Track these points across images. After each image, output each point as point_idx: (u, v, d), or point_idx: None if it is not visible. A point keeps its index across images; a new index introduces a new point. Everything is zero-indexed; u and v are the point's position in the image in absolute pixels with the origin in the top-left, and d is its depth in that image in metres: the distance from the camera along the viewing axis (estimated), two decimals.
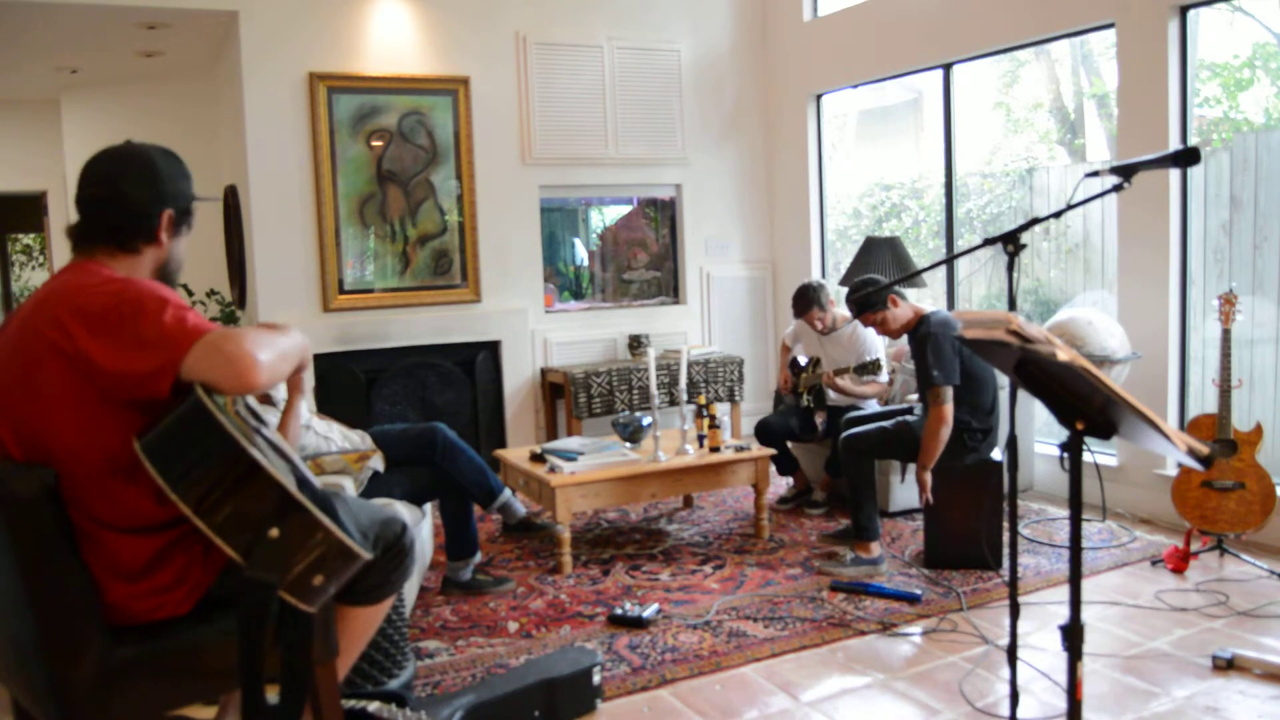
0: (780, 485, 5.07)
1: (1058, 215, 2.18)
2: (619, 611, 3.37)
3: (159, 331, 1.66)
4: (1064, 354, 1.65)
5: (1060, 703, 2.65)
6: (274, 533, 1.57)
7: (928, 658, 3.04)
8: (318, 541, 1.59)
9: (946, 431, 3.69)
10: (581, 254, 6.70)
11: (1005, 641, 2.34)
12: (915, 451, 3.83)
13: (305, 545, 1.59)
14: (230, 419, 1.63)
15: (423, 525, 3.45)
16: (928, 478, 3.77)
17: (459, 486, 3.54)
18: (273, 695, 1.75)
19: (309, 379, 2.06)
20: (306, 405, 3.48)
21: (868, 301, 3.80)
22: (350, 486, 3.02)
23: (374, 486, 3.29)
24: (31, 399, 1.71)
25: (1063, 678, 2.07)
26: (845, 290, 5.39)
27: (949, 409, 3.68)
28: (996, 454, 3.88)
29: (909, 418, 4.00)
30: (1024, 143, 6.65)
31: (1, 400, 1.75)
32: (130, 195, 1.86)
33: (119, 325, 1.67)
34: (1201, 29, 4.60)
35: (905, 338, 4.02)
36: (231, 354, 1.64)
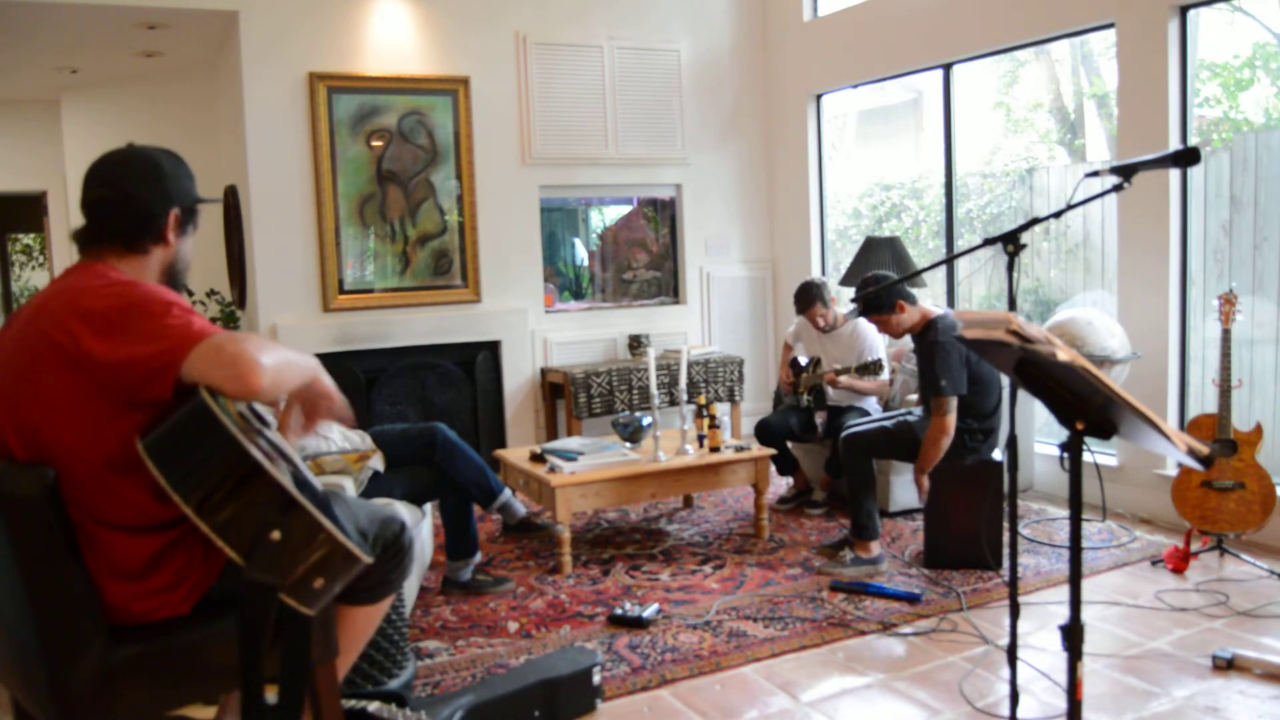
0: (780, 485, 5.07)
1: (1058, 215, 2.18)
2: (619, 611, 3.37)
3: (162, 331, 1.66)
4: (1064, 354, 1.65)
5: (1060, 703, 2.65)
6: (275, 535, 1.57)
7: (928, 658, 3.04)
8: (319, 544, 1.59)
9: (947, 441, 3.70)
10: (581, 254, 6.70)
11: (1005, 641, 2.34)
12: (916, 451, 3.83)
13: (307, 548, 1.59)
14: (233, 420, 1.63)
15: (423, 525, 3.45)
16: (925, 481, 3.78)
17: (459, 486, 3.54)
18: (271, 695, 1.75)
19: (339, 397, 1.98)
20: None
21: (875, 303, 3.80)
22: (350, 486, 3.02)
23: (374, 486, 3.29)
24: (34, 398, 1.72)
25: (1063, 678, 2.07)
26: (845, 289, 5.41)
27: (952, 419, 3.69)
28: (996, 454, 3.88)
29: (909, 417, 4.00)
30: (1024, 143, 6.65)
31: (4, 399, 1.75)
32: (136, 196, 1.86)
33: (122, 325, 1.67)
34: (1201, 29, 4.60)
35: (909, 337, 4.02)
36: (235, 355, 1.64)
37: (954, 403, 3.69)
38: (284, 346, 1.80)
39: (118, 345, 1.66)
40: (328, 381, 1.98)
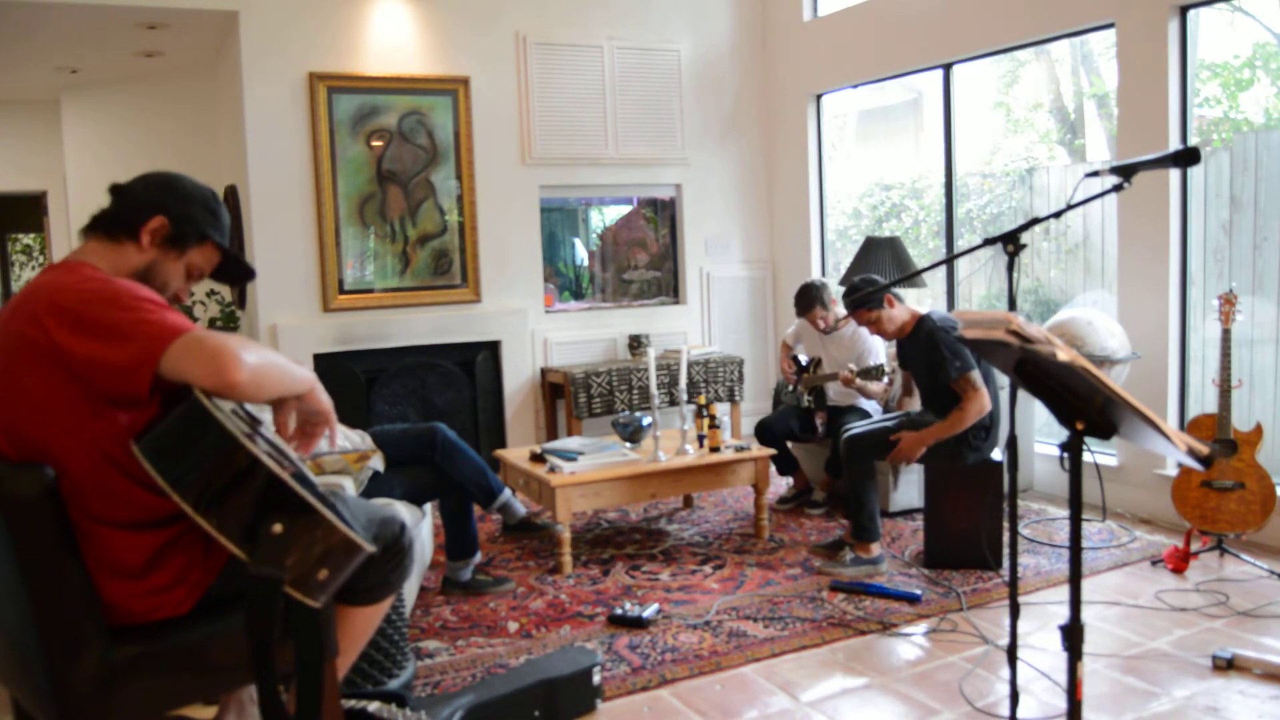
0: (780, 485, 5.07)
1: (1058, 215, 2.18)
2: (619, 611, 3.37)
3: (136, 326, 1.66)
4: (1064, 354, 1.65)
5: (1060, 703, 2.65)
6: (277, 528, 1.57)
7: (928, 658, 3.04)
8: (320, 535, 1.59)
9: (981, 414, 3.67)
10: (581, 254, 6.70)
11: (1005, 641, 2.34)
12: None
13: (308, 539, 1.59)
14: (227, 418, 1.63)
15: (423, 525, 3.44)
16: (922, 450, 3.74)
17: (459, 486, 3.54)
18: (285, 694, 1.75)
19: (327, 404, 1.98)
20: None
21: (864, 299, 3.80)
22: (350, 486, 3.01)
23: (374, 486, 3.29)
24: (19, 398, 1.72)
25: (1063, 678, 2.07)
26: (844, 290, 5.41)
27: (985, 394, 3.66)
28: (996, 454, 3.87)
29: (911, 415, 4.00)
30: (1024, 143, 6.64)
31: None
32: (134, 190, 1.91)
33: (94, 320, 1.67)
34: (1201, 29, 4.60)
35: (896, 343, 4.02)
36: (214, 350, 1.64)
37: (978, 376, 3.67)
38: (275, 353, 1.80)
39: (91, 342, 1.66)
40: (324, 399, 1.96)
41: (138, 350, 1.64)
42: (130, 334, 1.65)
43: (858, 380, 4.44)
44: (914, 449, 3.76)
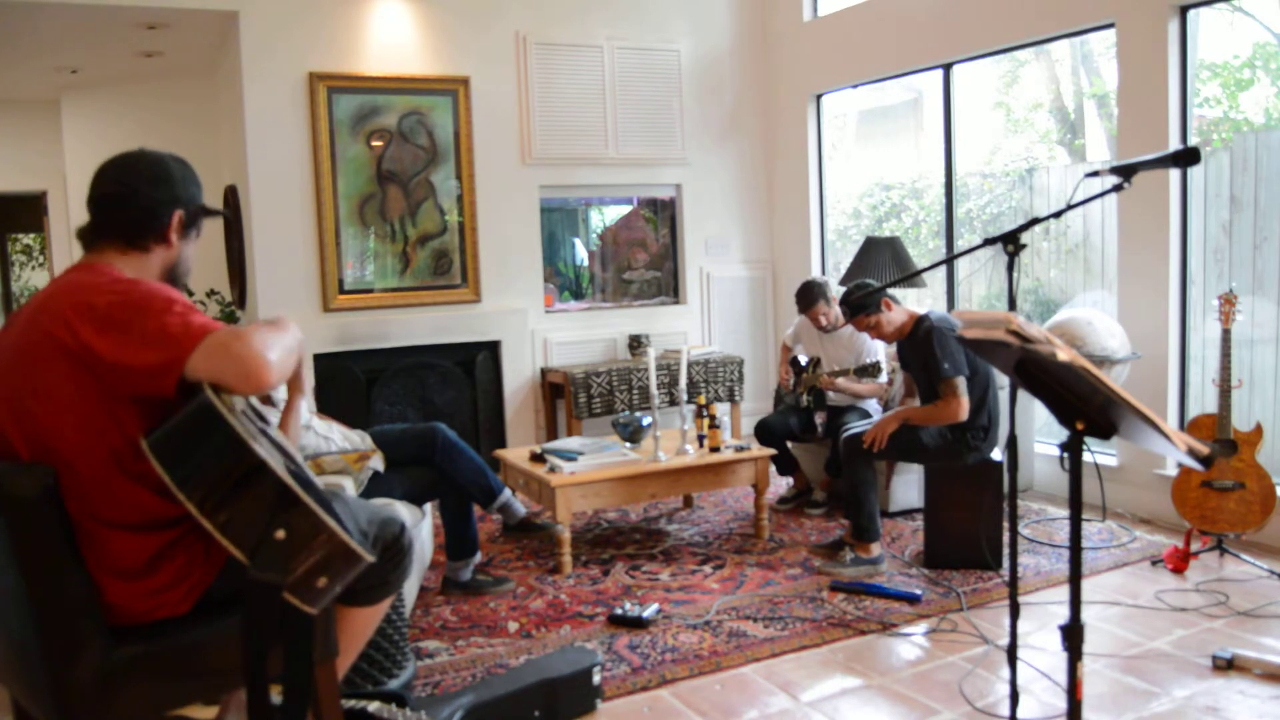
0: (780, 485, 5.07)
1: (1058, 215, 2.18)
2: (619, 611, 3.37)
3: (164, 330, 1.67)
4: (1064, 354, 1.65)
5: (1060, 703, 2.65)
6: (280, 534, 1.57)
7: (928, 658, 3.04)
8: (322, 543, 1.59)
9: (954, 420, 3.67)
10: (581, 254, 6.70)
11: (1005, 641, 2.34)
12: (916, 452, 3.82)
13: (309, 547, 1.59)
14: (237, 419, 1.64)
15: (423, 525, 3.45)
16: (894, 427, 3.74)
17: (459, 486, 3.54)
18: (275, 695, 1.75)
19: (309, 378, 2.06)
20: (307, 405, 3.48)
21: (861, 304, 3.79)
22: (350, 486, 3.02)
23: (374, 486, 3.29)
24: (38, 397, 1.72)
25: (1063, 678, 2.07)
26: (840, 298, 5.41)
27: (964, 402, 3.66)
28: (996, 454, 3.87)
29: None
30: (1024, 143, 6.65)
31: (9, 399, 1.75)
32: (143, 193, 1.89)
33: (125, 323, 1.68)
34: (1201, 29, 4.60)
35: (896, 345, 4.02)
36: (241, 354, 1.65)
37: (963, 384, 3.67)
38: (278, 332, 1.80)
39: (120, 344, 1.67)
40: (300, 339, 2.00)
41: (166, 353, 1.66)
42: (157, 339, 1.67)
43: (839, 382, 4.45)
44: (886, 427, 3.76)
